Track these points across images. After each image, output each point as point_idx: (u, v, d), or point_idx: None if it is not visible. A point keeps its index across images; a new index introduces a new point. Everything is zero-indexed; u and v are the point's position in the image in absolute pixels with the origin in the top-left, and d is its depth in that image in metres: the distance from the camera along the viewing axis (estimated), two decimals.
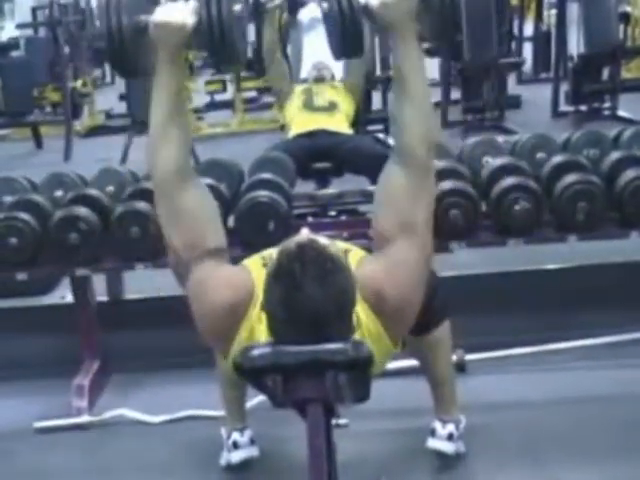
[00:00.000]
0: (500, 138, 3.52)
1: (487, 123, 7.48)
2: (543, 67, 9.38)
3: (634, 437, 2.64)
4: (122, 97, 8.18)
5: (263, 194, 2.97)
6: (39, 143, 8.70)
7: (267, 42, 4.74)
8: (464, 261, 3.42)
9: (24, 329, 3.44)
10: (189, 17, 2.07)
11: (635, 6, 9.04)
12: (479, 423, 2.70)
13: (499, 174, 2.97)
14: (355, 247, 2.14)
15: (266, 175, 3.19)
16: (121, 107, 8.60)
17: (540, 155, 3.18)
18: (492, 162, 3.11)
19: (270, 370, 1.76)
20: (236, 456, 2.65)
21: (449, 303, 2.53)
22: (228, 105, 8.87)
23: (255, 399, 2.74)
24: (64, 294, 3.65)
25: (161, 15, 2.06)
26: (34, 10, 11.38)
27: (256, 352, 1.78)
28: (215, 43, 2.10)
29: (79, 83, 9.48)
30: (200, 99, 8.77)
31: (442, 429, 2.58)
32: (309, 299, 1.69)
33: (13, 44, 9.85)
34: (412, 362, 2.81)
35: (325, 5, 2.20)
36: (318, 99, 4.56)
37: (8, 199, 3.15)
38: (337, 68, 4.75)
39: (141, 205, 2.94)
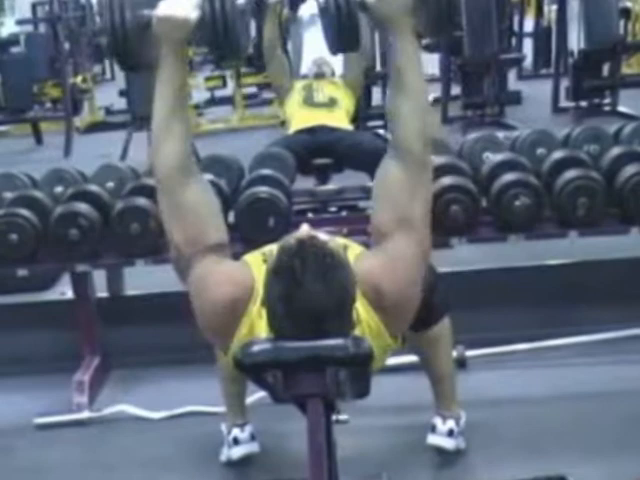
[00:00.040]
0: (500, 134, 3.52)
1: (487, 119, 7.48)
2: (543, 63, 9.38)
3: (633, 432, 2.64)
4: (122, 93, 8.17)
5: (263, 190, 2.97)
6: (39, 139, 8.69)
7: (268, 38, 4.72)
8: (464, 257, 3.41)
9: (24, 325, 3.44)
10: (192, 11, 2.07)
11: (635, 1, 9.03)
12: (479, 419, 2.70)
13: (499, 170, 2.96)
14: (353, 243, 2.14)
15: (266, 171, 3.19)
16: (121, 103, 8.58)
17: (540, 151, 3.17)
18: (492, 158, 3.11)
19: (270, 366, 1.76)
20: (236, 452, 2.65)
21: (449, 299, 2.53)
22: (228, 101, 8.86)
23: (255, 395, 2.74)
24: (64, 290, 3.65)
25: (164, 9, 2.06)
26: (34, 6, 11.36)
27: (256, 348, 1.78)
28: (218, 38, 2.11)
29: (79, 79, 9.48)
30: (200, 95, 8.77)
31: (442, 425, 2.58)
32: (309, 295, 1.70)
33: (13, 40, 9.85)
34: (412, 358, 2.81)
35: None
36: (318, 95, 4.55)
37: (8, 195, 3.15)
38: (337, 64, 4.74)
39: (141, 201, 2.94)
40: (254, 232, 2.87)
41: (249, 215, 2.92)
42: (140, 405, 3.04)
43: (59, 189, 3.24)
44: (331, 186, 3.76)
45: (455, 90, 7.99)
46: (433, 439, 2.59)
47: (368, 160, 3.57)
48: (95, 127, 9.15)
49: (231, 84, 8.75)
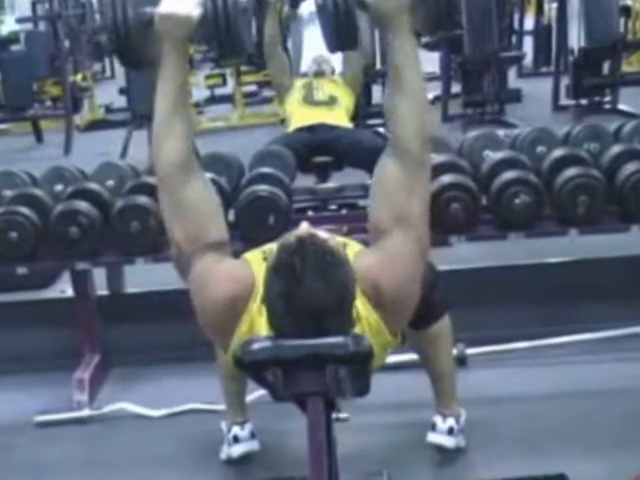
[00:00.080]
0: (500, 132, 3.51)
1: (487, 117, 7.47)
2: (544, 61, 9.37)
3: (633, 430, 2.64)
4: (122, 91, 8.17)
5: (263, 188, 2.97)
6: (39, 137, 8.69)
7: (268, 35, 4.72)
8: (464, 255, 3.41)
9: (24, 323, 3.44)
10: (194, 9, 2.08)
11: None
12: (479, 417, 2.70)
13: (499, 168, 2.96)
14: (352, 241, 2.14)
15: (266, 169, 3.19)
16: (121, 101, 8.59)
17: (540, 149, 3.17)
18: (492, 156, 3.11)
19: (270, 364, 1.76)
20: (236, 450, 2.65)
21: (449, 297, 2.53)
22: (228, 99, 8.87)
23: (255, 393, 2.74)
24: (64, 288, 3.65)
25: (166, 7, 2.07)
26: (34, 4, 11.36)
27: (256, 346, 1.78)
28: (220, 35, 2.11)
29: (79, 77, 9.47)
30: (200, 93, 8.77)
31: (442, 423, 2.58)
32: (309, 293, 1.70)
33: (13, 38, 9.85)
34: (412, 356, 2.81)
35: None
36: (318, 93, 4.55)
37: (8, 193, 3.15)
38: (337, 62, 4.74)
39: (141, 199, 2.94)
40: (254, 230, 2.86)
41: (249, 213, 2.92)
42: (140, 403, 3.04)
43: (59, 187, 3.24)
44: (331, 184, 3.76)
45: (455, 88, 8.00)
46: (433, 437, 2.59)
47: (368, 158, 3.56)
48: (95, 125, 9.14)
49: (231, 82, 8.75)
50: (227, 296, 1.95)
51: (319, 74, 4.68)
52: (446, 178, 2.86)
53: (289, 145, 3.82)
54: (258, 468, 2.63)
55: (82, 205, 2.96)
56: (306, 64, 4.94)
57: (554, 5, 8.96)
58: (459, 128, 7.04)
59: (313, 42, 5.02)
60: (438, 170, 2.80)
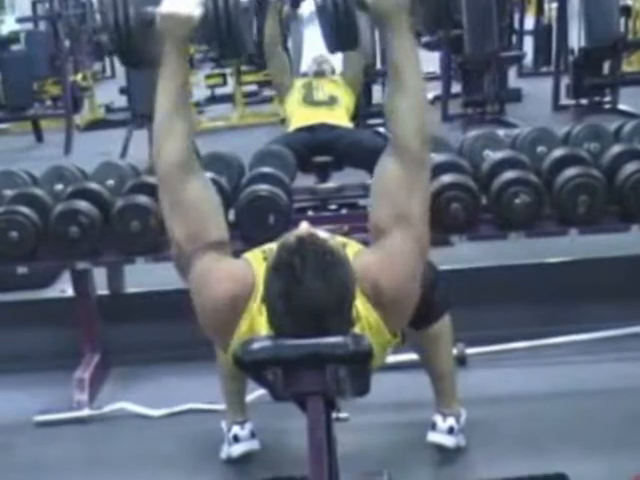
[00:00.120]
0: (501, 131, 3.51)
1: (488, 117, 7.47)
2: (544, 61, 9.36)
3: (633, 430, 2.64)
4: (122, 91, 8.17)
5: (263, 188, 2.97)
6: (39, 137, 8.69)
7: (268, 35, 4.73)
8: (465, 255, 3.42)
9: (24, 322, 3.44)
10: (195, 9, 2.09)
11: None
12: (480, 416, 2.70)
13: (500, 168, 2.96)
14: (352, 241, 2.15)
15: (266, 169, 3.19)
16: (121, 101, 8.60)
17: (541, 149, 3.17)
18: (493, 155, 3.11)
19: (270, 363, 1.76)
20: (237, 449, 2.65)
21: (450, 297, 2.53)
22: (228, 99, 8.87)
23: (255, 392, 2.74)
24: (64, 288, 3.65)
25: (168, 7, 2.07)
26: (34, 4, 11.37)
27: (256, 345, 1.78)
28: (221, 35, 2.11)
29: (79, 77, 9.47)
30: (201, 93, 8.77)
31: (443, 422, 2.58)
32: (309, 292, 1.70)
33: (13, 38, 9.85)
34: (412, 356, 2.81)
35: None
36: (318, 93, 4.56)
37: (8, 193, 3.15)
38: (337, 61, 4.74)
39: (141, 199, 2.94)
40: (254, 230, 2.87)
41: (249, 213, 2.92)
42: (140, 403, 3.04)
43: (59, 187, 3.24)
44: (331, 184, 3.76)
45: (455, 88, 7.99)
46: (433, 436, 2.59)
47: (368, 158, 3.56)
48: (95, 125, 9.14)
49: (231, 82, 8.75)
50: (227, 295, 1.96)
51: (319, 74, 4.68)
52: (446, 178, 2.86)
53: (289, 145, 3.82)
54: (258, 467, 2.63)
55: (82, 205, 2.96)
56: (306, 64, 4.94)
57: (554, 5, 8.96)
58: (459, 128, 7.04)
59: (313, 42, 5.02)
60: (438, 170, 2.80)
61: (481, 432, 2.66)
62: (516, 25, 9.69)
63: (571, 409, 2.81)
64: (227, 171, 3.22)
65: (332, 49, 2.33)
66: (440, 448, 2.59)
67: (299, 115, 4.48)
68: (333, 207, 3.34)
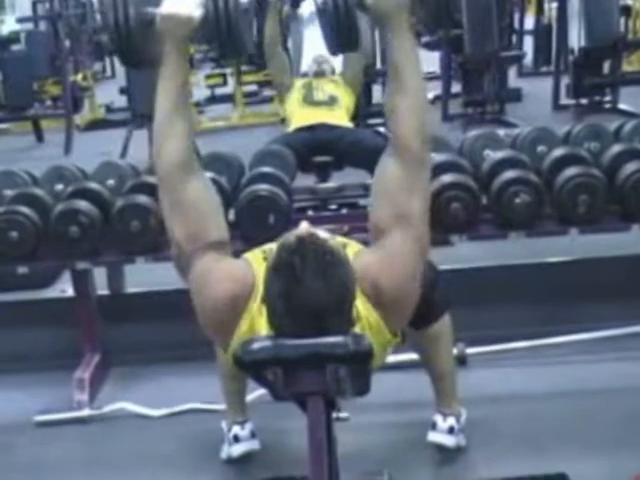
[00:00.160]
0: (501, 131, 3.51)
1: (488, 116, 7.47)
2: (544, 60, 9.37)
3: (633, 429, 2.64)
4: (122, 91, 8.18)
5: (263, 188, 2.97)
6: (39, 137, 8.69)
7: (268, 35, 4.73)
8: (465, 254, 3.42)
9: (25, 322, 3.44)
10: (196, 9, 2.09)
11: None
12: (480, 416, 2.70)
13: (500, 167, 2.96)
14: (352, 241, 2.15)
15: (266, 169, 3.19)
16: (121, 101, 8.60)
17: (541, 148, 3.17)
18: (493, 155, 3.11)
19: (270, 363, 1.76)
20: (237, 449, 2.65)
21: (450, 296, 2.53)
22: (229, 99, 8.87)
23: (255, 392, 2.74)
24: (65, 287, 3.65)
25: (168, 7, 2.08)
26: (34, 4, 11.37)
27: (256, 345, 1.78)
28: (221, 35, 2.11)
29: (79, 77, 9.48)
30: (201, 93, 8.77)
31: (443, 422, 2.58)
32: (309, 292, 1.70)
33: (13, 38, 9.85)
34: (412, 355, 2.81)
35: None
36: (318, 93, 4.56)
37: (9, 193, 3.15)
38: (337, 62, 4.74)
39: (141, 199, 2.94)
40: (254, 230, 2.86)
41: (249, 213, 2.92)
42: (140, 403, 3.04)
43: (59, 187, 3.24)
44: (331, 184, 3.76)
45: (456, 88, 7.99)
46: (434, 436, 2.59)
47: (368, 158, 3.57)
48: (95, 125, 9.14)
49: (231, 82, 8.76)
50: (227, 295, 1.96)
51: (319, 74, 4.68)
52: (447, 178, 2.86)
53: (289, 145, 3.82)
54: (258, 467, 2.63)
55: (82, 204, 2.96)
56: (306, 64, 4.94)
57: (554, 4, 8.96)
58: (459, 127, 7.04)
59: (313, 42, 5.02)
60: (438, 169, 2.80)
61: (481, 432, 2.66)
62: (516, 25, 9.69)
63: (571, 409, 2.81)
64: (227, 171, 3.22)
65: (333, 50, 2.33)
66: (440, 448, 2.59)
67: (299, 115, 4.48)
68: (333, 207, 3.34)
